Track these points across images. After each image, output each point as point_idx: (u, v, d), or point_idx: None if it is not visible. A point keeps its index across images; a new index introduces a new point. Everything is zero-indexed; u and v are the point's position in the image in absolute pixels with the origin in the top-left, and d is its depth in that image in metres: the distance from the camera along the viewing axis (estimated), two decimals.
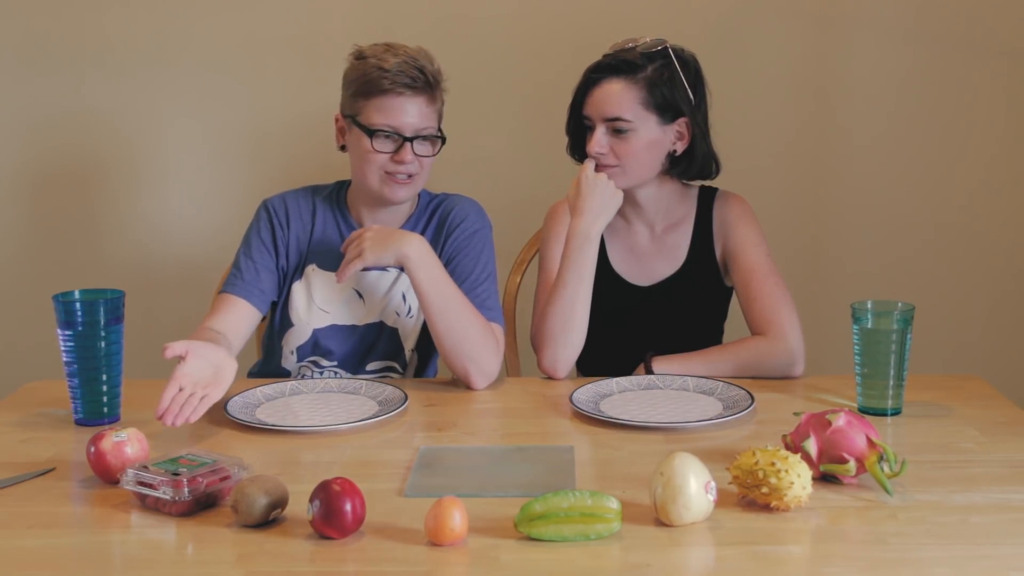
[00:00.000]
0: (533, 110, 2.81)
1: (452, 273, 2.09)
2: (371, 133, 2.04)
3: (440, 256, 2.11)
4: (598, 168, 2.09)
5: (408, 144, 2.04)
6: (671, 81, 2.07)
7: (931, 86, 2.83)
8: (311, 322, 2.15)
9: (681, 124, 2.10)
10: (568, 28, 2.76)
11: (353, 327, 2.15)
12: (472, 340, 1.98)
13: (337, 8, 2.81)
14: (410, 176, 2.07)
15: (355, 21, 2.80)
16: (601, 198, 2.06)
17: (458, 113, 2.81)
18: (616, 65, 2.07)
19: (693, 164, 2.14)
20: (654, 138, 2.08)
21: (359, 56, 2.08)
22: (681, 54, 2.10)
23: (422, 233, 2.15)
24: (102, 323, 1.81)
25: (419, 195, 2.20)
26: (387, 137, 2.05)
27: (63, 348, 1.81)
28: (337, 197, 2.20)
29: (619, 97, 2.06)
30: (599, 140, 2.07)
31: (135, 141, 2.87)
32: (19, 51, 2.83)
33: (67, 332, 1.81)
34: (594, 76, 2.08)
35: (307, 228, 2.17)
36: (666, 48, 2.09)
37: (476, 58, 2.82)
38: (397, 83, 2.02)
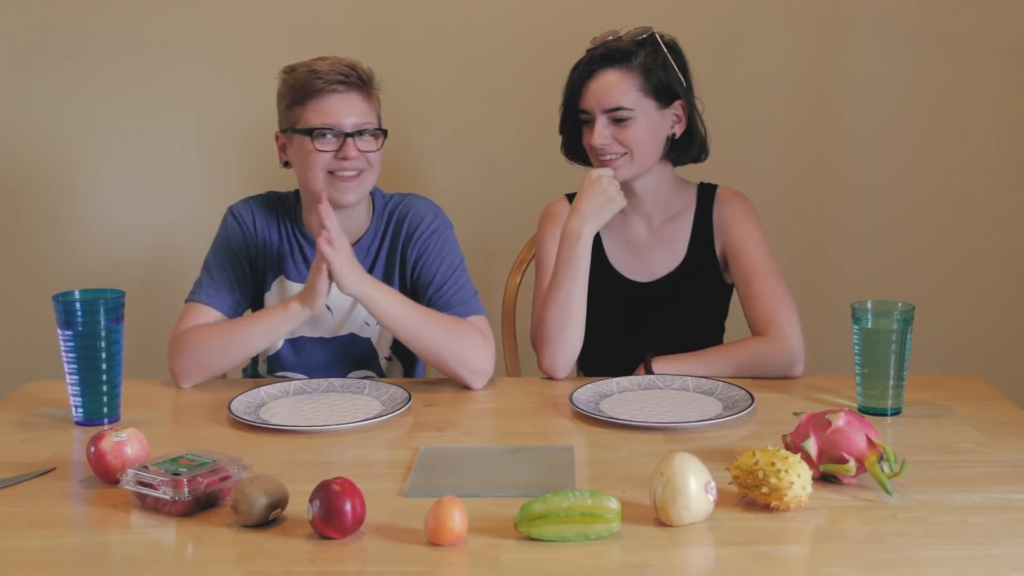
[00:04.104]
0: (533, 110, 2.80)
1: (420, 275, 2.11)
2: (310, 132, 2.02)
3: (404, 259, 2.13)
4: (604, 161, 2.09)
5: (350, 140, 2.02)
6: (663, 65, 2.08)
7: (931, 86, 2.83)
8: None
9: (677, 107, 2.12)
10: (567, 28, 2.74)
11: (324, 340, 2.15)
12: (449, 348, 1.98)
13: (338, 8, 2.80)
14: (358, 174, 2.05)
15: (356, 23, 2.80)
16: (599, 199, 2.05)
17: (458, 113, 2.83)
18: (609, 55, 2.07)
19: (693, 145, 2.15)
20: (654, 123, 2.09)
21: (289, 70, 2.08)
22: (665, 39, 2.11)
23: (383, 238, 2.15)
24: (102, 323, 1.81)
25: (374, 200, 2.17)
26: (328, 136, 2.02)
27: (63, 348, 1.81)
28: (295, 208, 2.18)
29: (617, 86, 2.06)
30: (601, 132, 2.07)
31: (137, 140, 2.87)
32: (19, 51, 2.84)
33: (67, 332, 1.81)
34: (588, 69, 2.08)
35: (273, 239, 2.16)
36: (653, 34, 2.10)
37: (476, 58, 2.82)
38: (330, 81, 2.01)
